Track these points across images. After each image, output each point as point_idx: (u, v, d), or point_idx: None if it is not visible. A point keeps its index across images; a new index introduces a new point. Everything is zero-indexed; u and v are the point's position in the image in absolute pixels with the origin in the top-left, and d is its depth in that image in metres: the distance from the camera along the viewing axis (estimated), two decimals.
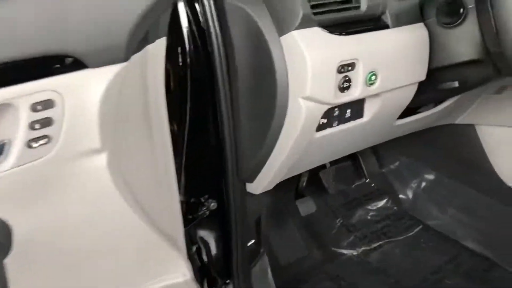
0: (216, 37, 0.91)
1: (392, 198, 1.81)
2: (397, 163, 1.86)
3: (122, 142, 0.70)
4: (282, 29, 0.86)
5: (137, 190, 0.74)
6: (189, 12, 0.93)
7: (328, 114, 0.95)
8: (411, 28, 0.98)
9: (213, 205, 1.09)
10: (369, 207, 1.81)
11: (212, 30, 0.90)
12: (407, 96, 1.05)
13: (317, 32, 0.86)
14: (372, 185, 1.86)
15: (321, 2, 0.87)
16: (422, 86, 1.06)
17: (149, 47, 0.73)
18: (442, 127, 1.51)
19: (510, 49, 0.76)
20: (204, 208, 1.08)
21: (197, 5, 0.92)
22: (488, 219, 1.56)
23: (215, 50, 0.91)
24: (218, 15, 0.90)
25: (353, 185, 1.82)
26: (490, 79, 1.03)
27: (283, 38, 0.86)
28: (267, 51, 0.87)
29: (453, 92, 1.14)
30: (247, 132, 0.98)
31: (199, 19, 0.92)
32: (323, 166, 1.62)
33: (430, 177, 1.76)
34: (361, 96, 0.94)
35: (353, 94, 0.93)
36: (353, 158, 1.77)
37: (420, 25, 0.99)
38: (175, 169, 1.02)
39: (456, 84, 1.02)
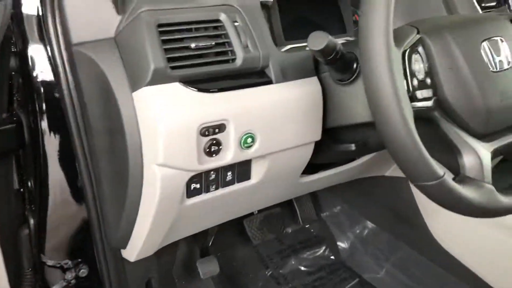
0: (68, 88, 0.79)
1: (330, 246, 1.70)
2: (338, 208, 1.76)
3: None
4: (134, 84, 0.74)
5: None
6: (42, 58, 0.81)
7: (201, 178, 0.83)
8: (301, 83, 0.86)
9: (82, 271, 0.96)
10: (305, 256, 1.69)
11: (62, 80, 0.79)
12: (302, 156, 0.93)
13: (175, 89, 0.74)
14: (311, 230, 1.75)
15: (182, 54, 0.75)
16: (321, 146, 0.94)
17: None
18: (375, 178, 1.40)
19: (376, 119, 0.64)
20: (70, 276, 0.94)
21: (49, 50, 0.80)
22: (423, 279, 1.46)
23: (67, 102, 0.80)
24: (69, 64, 0.78)
25: (290, 231, 1.71)
26: None
27: (135, 94, 0.74)
28: (116, 109, 0.75)
29: (356, 153, 1.02)
30: (109, 195, 0.85)
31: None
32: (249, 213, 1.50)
33: (368, 228, 1.66)
34: (236, 160, 0.82)
35: (225, 158, 0.80)
36: (287, 202, 1.65)
37: (313, 80, 0.88)
38: (33, 227, 0.89)
39: (353, 147, 0.90)
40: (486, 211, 0.71)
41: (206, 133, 0.76)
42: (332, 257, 1.69)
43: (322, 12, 1.06)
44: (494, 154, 0.75)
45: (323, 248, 1.71)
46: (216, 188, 0.86)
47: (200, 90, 0.77)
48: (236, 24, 0.81)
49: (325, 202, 1.74)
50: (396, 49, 0.65)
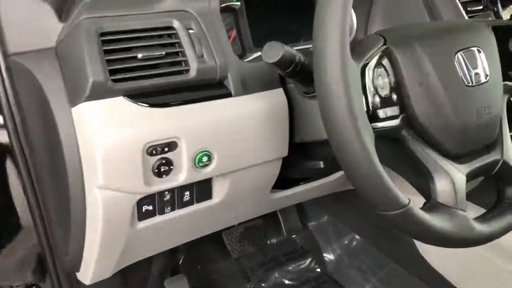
0: (7, 102, 0.73)
1: (316, 258, 1.63)
2: (325, 218, 1.69)
3: None
4: (73, 99, 0.68)
5: None
6: None
7: (153, 200, 0.76)
8: (264, 95, 0.79)
9: None
10: (289, 269, 1.62)
11: (1, 93, 0.72)
12: (269, 172, 0.86)
13: (118, 104, 0.68)
14: (297, 241, 1.68)
15: (127, 65, 0.68)
16: (290, 161, 0.87)
17: None
18: None
19: (331, 143, 0.57)
20: None
21: None
22: None
23: (7, 117, 0.73)
24: (7, 75, 0.71)
25: (274, 242, 1.64)
26: None
27: (74, 110, 0.68)
28: (53, 126, 0.68)
29: (326, 171, 0.95)
30: (55, 216, 0.79)
31: None
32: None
33: (355, 241, 1.60)
34: (191, 181, 0.76)
35: (177, 179, 0.74)
36: (271, 213, 1.58)
37: (278, 92, 0.81)
38: None
39: (321, 165, 0.83)
40: (458, 241, 0.64)
41: (154, 152, 0.69)
42: (318, 269, 1.62)
43: (296, 16, 0.99)
44: (470, 176, 0.68)
45: (309, 260, 1.64)
46: (172, 209, 0.79)
47: (150, 105, 0.70)
48: (190, 32, 0.74)
49: (311, 212, 1.68)
50: (354, 63, 0.57)
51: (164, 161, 0.71)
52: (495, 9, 1.02)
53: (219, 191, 0.83)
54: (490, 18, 0.84)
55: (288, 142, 0.82)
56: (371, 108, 0.60)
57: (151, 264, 1.25)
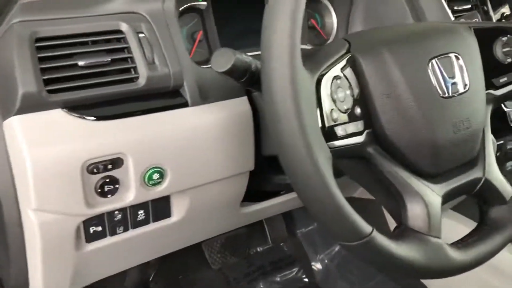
0: None
1: (304, 268, 1.56)
2: (314, 224, 1.62)
3: None
4: (4, 112, 0.61)
5: None
6: None
7: (102, 220, 0.70)
8: (225, 105, 0.72)
9: None
10: (276, 279, 1.55)
11: None
12: (235, 187, 0.80)
13: (54, 118, 0.61)
14: (285, 249, 1.61)
15: (65, 74, 0.62)
16: (259, 174, 0.80)
17: None
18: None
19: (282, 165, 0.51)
20: None
21: None
22: None
23: None
24: None
25: (260, 250, 1.58)
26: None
27: (5, 124, 0.61)
28: None
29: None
30: None
31: None
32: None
33: (344, 251, 1.52)
34: (141, 201, 0.69)
35: (124, 199, 0.67)
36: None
37: (241, 101, 0.74)
38: None
39: (288, 179, 0.75)
40: (429, 272, 0.57)
41: (95, 170, 0.62)
42: (306, 279, 1.56)
43: None
44: (447, 197, 0.61)
45: (296, 269, 1.58)
46: (126, 230, 0.73)
47: (96, 117, 0.63)
48: (140, 36, 0.67)
49: (300, 219, 1.61)
50: (306, 73, 0.50)
51: (108, 180, 0.64)
52: (485, 8, 0.94)
53: (179, 208, 0.76)
54: (475, 19, 0.76)
55: (253, 155, 0.76)
56: (327, 125, 0.53)
57: (124, 278, 1.19)
